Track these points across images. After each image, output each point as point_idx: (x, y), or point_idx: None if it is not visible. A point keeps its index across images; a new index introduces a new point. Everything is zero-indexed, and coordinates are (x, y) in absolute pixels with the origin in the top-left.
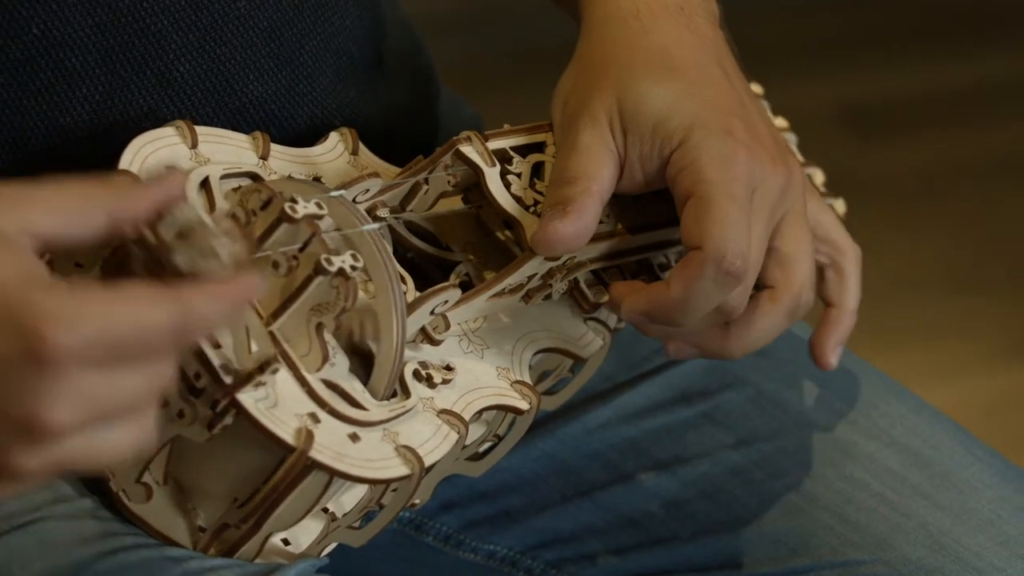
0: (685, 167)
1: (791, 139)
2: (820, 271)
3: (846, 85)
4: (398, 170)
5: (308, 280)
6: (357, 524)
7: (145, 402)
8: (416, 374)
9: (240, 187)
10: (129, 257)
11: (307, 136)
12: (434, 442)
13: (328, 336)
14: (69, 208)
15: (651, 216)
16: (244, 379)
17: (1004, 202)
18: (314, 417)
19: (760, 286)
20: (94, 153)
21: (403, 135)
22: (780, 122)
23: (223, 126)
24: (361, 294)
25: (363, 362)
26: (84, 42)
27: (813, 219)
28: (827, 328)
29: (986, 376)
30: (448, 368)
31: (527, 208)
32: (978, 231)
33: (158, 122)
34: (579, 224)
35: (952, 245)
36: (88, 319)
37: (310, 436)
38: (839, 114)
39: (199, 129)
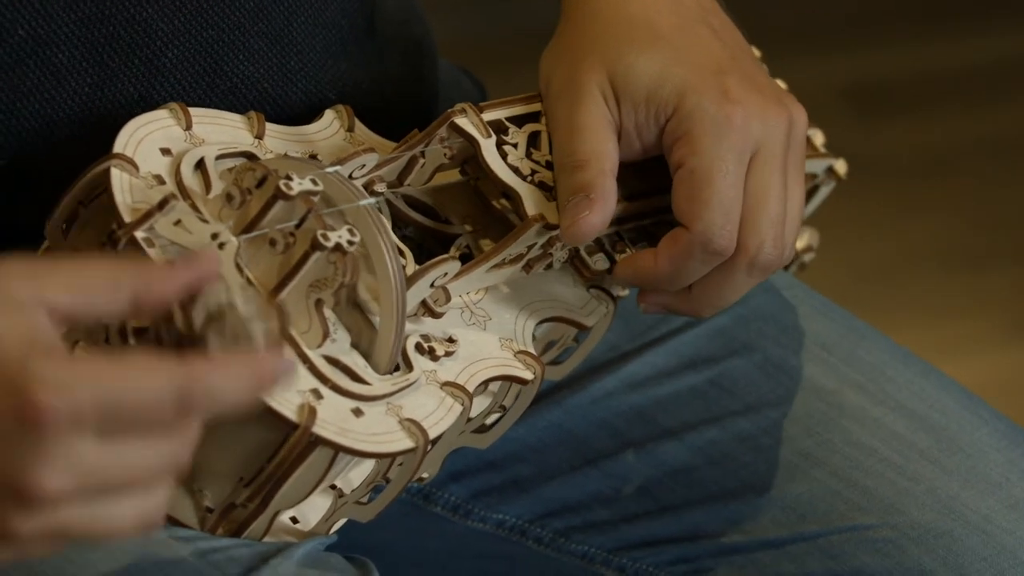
0: (680, 137)
1: None
2: None
3: (848, 64)
4: (394, 145)
5: (305, 256)
6: (365, 499)
7: (154, 477)
8: (418, 347)
9: (235, 167)
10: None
11: (302, 112)
12: (438, 414)
13: (328, 312)
14: (92, 286)
15: (650, 182)
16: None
17: (1007, 181)
18: (316, 393)
19: None
20: (88, 145)
21: (400, 106)
22: (779, 84)
23: (216, 108)
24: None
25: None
26: (70, 37)
27: None
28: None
29: (990, 354)
30: (450, 340)
31: (524, 178)
32: (981, 210)
33: (150, 109)
34: (605, 209)
35: (956, 224)
36: (81, 383)
37: (313, 412)
38: (841, 93)
39: (193, 111)
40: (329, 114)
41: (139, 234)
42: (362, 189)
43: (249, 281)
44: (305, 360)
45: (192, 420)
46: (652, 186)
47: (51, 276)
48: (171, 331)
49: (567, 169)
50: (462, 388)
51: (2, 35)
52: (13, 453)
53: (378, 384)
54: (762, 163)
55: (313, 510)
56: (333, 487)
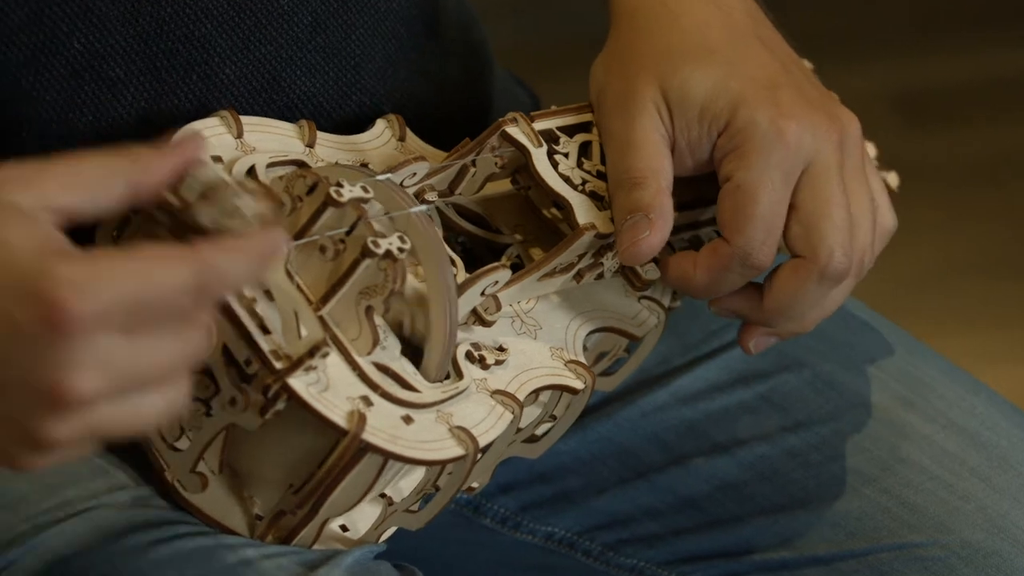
0: (730, 151)
1: None
2: None
3: (897, 72)
4: (445, 155)
5: (356, 263)
6: (415, 508)
7: (178, 368)
8: (468, 355)
9: (285, 174)
10: (155, 225)
11: (357, 124)
12: (488, 422)
13: (378, 319)
14: (88, 180)
15: (700, 192)
16: (295, 364)
17: None
18: (366, 400)
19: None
20: None
21: (456, 113)
22: (829, 93)
23: None
24: (411, 278)
25: (415, 346)
26: (127, 52)
27: None
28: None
29: None
30: (501, 349)
31: (575, 187)
32: None
33: None
34: (664, 228)
35: (1002, 232)
36: (105, 282)
37: (363, 419)
38: (890, 101)
39: (244, 119)
40: (380, 123)
41: None
42: (413, 198)
43: (299, 288)
44: (355, 367)
45: (208, 306)
46: (701, 197)
47: (48, 177)
48: (163, 214)
49: (624, 186)
50: (512, 397)
51: (58, 47)
52: (43, 359)
53: (428, 391)
54: (816, 176)
55: (363, 518)
56: (383, 495)
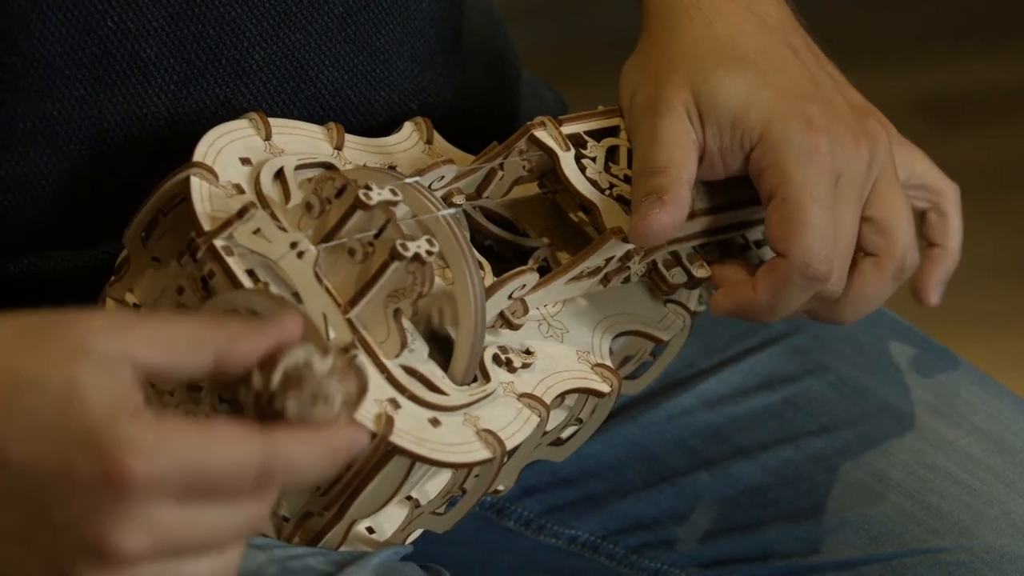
0: (767, 166)
1: None
2: (922, 214)
3: (923, 76)
4: (473, 158)
5: (384, 266)
6: (441, 510)
7: (228, 541)
8: (496, 359)
9: (314, 177)
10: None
11: (384, 122)
12: (515, 426)
13: (406, 322)
14: (177, 344)
15: (728, 197)
16: None
17: None
18: (394, 403)
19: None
20: (171, 143)
21: (482, 118)
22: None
23: (298, 114)
24: (439, 280)
25: (442, 348)
26: (158, 33)
27: (907, 169)
28: (931, 266)
29: None
30: (528, 352)
31: (603, 191)
32: None
33: (233, 111)
34: (676, 213)
35: None
36: (169, 451)
37: (390, 421)
38: (914, 105)
39: (273, 121)
40: (408, 126)
41: (218, 242)
42: (441, 200)
43: (328, 290)
44: (383, 370)
45: (271, 491)
46: (730, 202)
47: (137, 331)
48: (248, 392)
49: (645, 174)
50: (539, 400)
51: (91, 26)
52: (95, 513)
53: (455, 394)
54: (847, 187)
55: (389, 520)
56: (409, 498)
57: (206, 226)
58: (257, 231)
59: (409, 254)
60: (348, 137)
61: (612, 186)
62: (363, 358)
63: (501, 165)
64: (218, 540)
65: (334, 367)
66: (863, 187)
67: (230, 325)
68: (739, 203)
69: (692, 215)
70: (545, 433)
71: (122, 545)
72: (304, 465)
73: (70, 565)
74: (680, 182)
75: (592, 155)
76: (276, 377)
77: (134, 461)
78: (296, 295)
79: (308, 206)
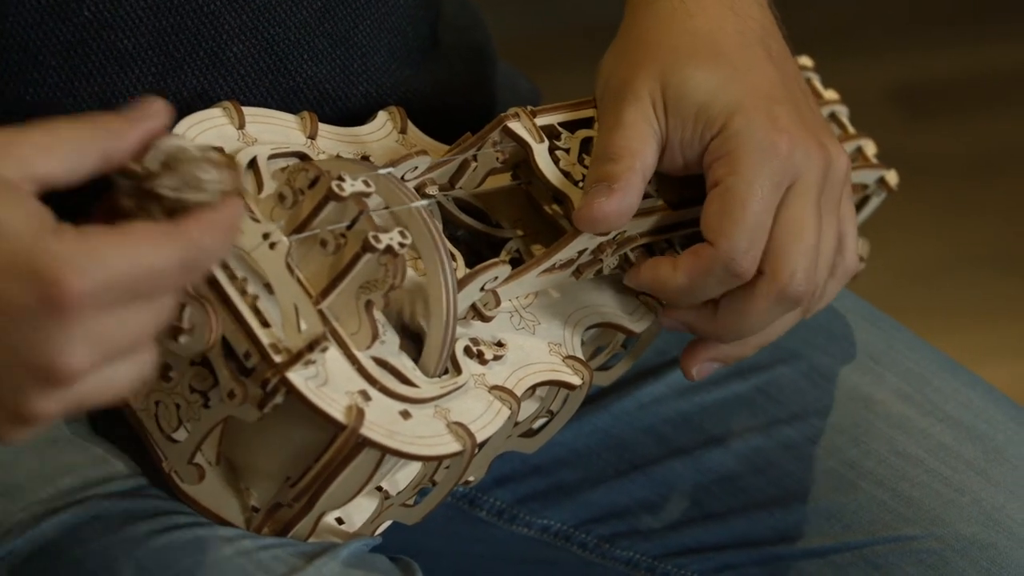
0: (722, 156)
1: (842, 111)
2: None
3: (896, 65)
4: (447, 148)
5: (356, 258)
6: (411, 501)
7: (150, 335)
8: (467, 351)
9: (287, 167)
10: (117, 196)
11: (361, 115)
12: (486, 418)
13: (378, 314)
14: (66, 148)
15: (697, 190)
16: (294, 358)
17: None
18: (364, 395)
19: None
20: None
21: (460, 111)
22: (831, 94)
23: (276, 106)
24: (411, 271)
25: (414, 340)
26: (136, 23)
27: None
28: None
29: None
30: (499, 344)
31: (576, 183)
32: None
33: (210, 103)
34: (623, 202)
35: (1004, 226)
36: (101, 263)
37: (361, 414)
38: (889, 94)
39: (246, 110)
40: (382, 116)
41: None
42: (414, 191)
43: (299, 281)
44: (354, 361)
45: (188, 282)
46: (699, 195)
47: (28, 144)
48: (129, 183)
49: (600, 160)
50: (510, 392)
51: (67, 13)
52: (40, 340)
53: (426, 387)
54: (798, 194)
55: (359, 511)
56: (379, 489)
57: None
58: None
59: (381, 246)
60: (322, 126)
61: (585, 178)
62: (334, 350)
63: (475, 156)
64: (144, 338)
65: (206, 154)
66: (821, 190)
67: (107, 120)
68: (697, 201)
69: (658, 209)
70: (516, 424)
71: (72, 363)
72: (216, 250)
73: (21, 396)
74: (633, 171)
75: (566, 146)
76: (153, 162)
77: (70, 279)
78: (267, 286)
79: (281, 197)
